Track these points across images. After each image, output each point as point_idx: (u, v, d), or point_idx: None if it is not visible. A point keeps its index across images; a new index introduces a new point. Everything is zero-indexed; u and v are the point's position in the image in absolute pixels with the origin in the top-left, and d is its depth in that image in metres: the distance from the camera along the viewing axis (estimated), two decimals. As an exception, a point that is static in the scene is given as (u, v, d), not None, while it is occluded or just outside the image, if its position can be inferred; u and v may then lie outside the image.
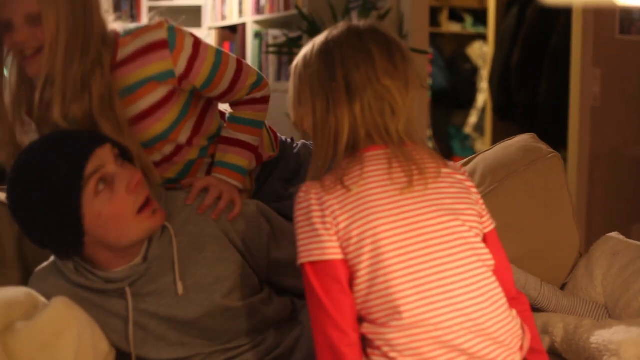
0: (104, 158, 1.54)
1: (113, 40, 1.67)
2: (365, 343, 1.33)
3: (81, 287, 1.62)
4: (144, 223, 1.57)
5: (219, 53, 1.74)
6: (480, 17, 6.08)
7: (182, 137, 1.77)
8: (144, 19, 6.12)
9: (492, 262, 1.38)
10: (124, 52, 1.66)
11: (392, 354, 1.29)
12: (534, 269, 2.00)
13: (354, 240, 1.31)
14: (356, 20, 1.43)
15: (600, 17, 4.17)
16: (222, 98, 1.79)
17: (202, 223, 1.67)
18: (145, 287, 1.63)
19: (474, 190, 1.44)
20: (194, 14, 6.13)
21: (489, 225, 1.44)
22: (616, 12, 4.23)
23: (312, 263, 1.33)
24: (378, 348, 1.30)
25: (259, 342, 1.67)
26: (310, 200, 1.35)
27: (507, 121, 5.19)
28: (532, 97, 4.81)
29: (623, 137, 4.31)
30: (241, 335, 1.66)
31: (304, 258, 1.34)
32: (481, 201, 1.45)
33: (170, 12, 6.54)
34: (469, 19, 6.19)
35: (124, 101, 1.68)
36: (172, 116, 1.73)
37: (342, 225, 1.32)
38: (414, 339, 1.28)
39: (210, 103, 1.84)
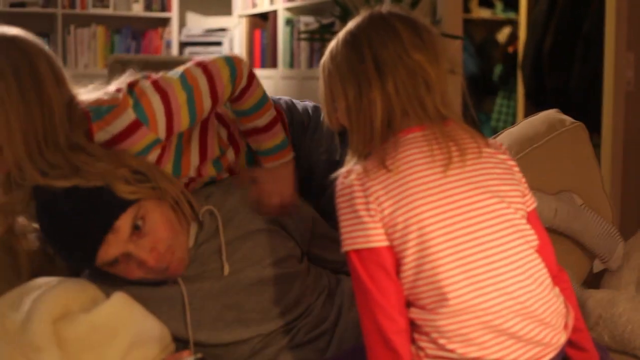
0: (116, 241, 1.52)
1: (84, 121, 1.58)
2: (413, 328, 1.32)
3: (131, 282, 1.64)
4: (155, 276, 1.60)
5: (184, 82, 1.62)
6: (510, 2, 6.03)
7: (192, 170, 1.74)
8: (174, 9, 6.14)
9: (536, 243, 1.37)
10: (100, 137, 1.58)
11: (441, 340, 1.28)
12: (565, 240, 2.03)
13: (399, 227, 1.30)
14: (382, 6, 1.41)
15: (634, 1, 4.13)
16: (213, 110, 1.71)
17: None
18: (197, 269, 1.65)
19: (517, 169, 1.43)
20: (225, 2, 6.15)
21: (531, 204, 1.43)
22: (650, -5, 4.19)
23: (357, 251, 1.31)
24: (426, 334, 1.30)
25: (308, 312, 1.69)
26: (353, 186, 1.33)
27: (539, 107, 5.16)
28: (565, 83, 4.77)
29: (658, 123, 4.27)
30: (291, 305, 1.67)
31: (348, 246, 1.32)
32: (524, 180, 1.43)
33: (200, 1, 6.58)
34: (499, 5, 6.15)
35: None
36: (169, 165, 1.69)
37: (387, 212, 1.30)
38: (463, 324, 1.28)
39: (206, 121, 1.77)
